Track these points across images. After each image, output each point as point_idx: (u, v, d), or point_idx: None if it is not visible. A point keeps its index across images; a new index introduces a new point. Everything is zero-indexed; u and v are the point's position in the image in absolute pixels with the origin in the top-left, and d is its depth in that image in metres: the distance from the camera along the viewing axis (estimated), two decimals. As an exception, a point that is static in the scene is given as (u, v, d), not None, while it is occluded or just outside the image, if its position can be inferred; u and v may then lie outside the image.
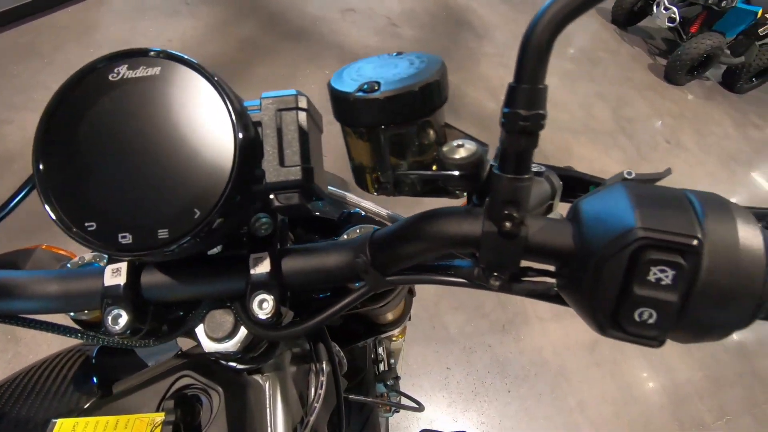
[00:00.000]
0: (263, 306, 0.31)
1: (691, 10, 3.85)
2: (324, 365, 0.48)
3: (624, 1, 4.22)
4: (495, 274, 0.26)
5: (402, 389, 1.63)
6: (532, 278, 0.28)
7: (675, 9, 3.79)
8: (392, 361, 1.03)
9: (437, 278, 0.30)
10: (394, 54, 0.30)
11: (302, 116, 0.29)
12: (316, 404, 0.45)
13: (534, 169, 0.28)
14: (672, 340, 0.24)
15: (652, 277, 0.21)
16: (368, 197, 0.43)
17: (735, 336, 2.17)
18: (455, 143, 0.26)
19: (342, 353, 0.60)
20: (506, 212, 0.24)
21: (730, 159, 3.34)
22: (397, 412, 1.14)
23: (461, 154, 0.25)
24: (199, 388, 0.38)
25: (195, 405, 0.38)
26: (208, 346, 0.34)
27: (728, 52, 4.11)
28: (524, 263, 0.28)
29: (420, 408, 0.90)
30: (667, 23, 3.86)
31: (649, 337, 0.23)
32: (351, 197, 0.52)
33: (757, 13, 3.70)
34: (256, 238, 0.33)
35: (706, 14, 3.81)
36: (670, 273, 0.21)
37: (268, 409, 0.42)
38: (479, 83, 2.86)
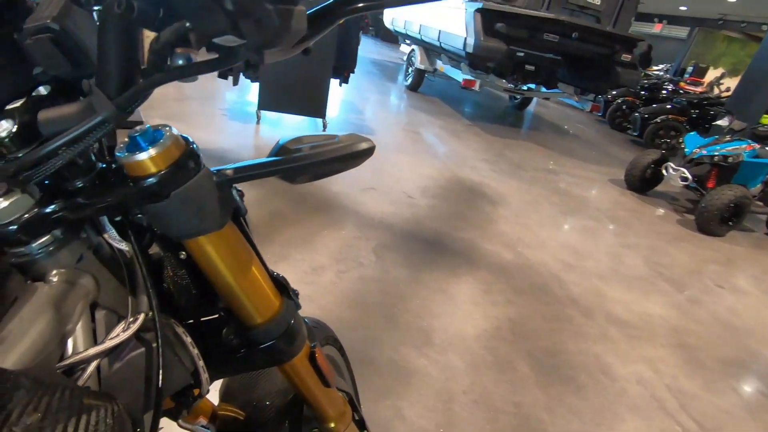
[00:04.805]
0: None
1: (701, 168, 4.01)
2: (156, 314, 0.36)
3: (634, 168, 4.45)
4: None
5: None
6: None
7: (683, 169, 3.98)
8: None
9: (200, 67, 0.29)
10: None
11: None
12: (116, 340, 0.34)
13: None
14: None
15: None
16: None
17: None
18: None
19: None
20: None
21: (805, 301, 2.90)
22: None
23: None
24: None
25: None
26: None
27: (760, 203, 4.05)
28: None
29: None
30: (680, 182, 4.00)
31: None
32: None
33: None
34: None
35: (717, 170, 3.94)
36: None
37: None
38: (495, 238, 2.96)
